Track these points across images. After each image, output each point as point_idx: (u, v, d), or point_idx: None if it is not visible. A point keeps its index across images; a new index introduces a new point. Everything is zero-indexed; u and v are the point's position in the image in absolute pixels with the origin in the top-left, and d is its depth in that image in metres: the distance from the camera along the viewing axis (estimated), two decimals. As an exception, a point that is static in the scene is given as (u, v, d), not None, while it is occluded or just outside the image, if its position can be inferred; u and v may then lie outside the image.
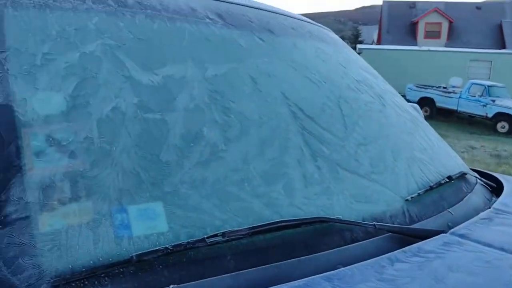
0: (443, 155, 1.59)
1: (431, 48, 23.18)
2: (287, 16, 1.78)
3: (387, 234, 1.04)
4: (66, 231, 0.78)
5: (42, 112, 0.90)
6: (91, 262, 0.76)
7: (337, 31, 2.00)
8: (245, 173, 1.00)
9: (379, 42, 36.27)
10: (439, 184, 1.31)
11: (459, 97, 17.05)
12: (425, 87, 18.64)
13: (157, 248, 0.79)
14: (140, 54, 1.11)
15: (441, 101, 17.59)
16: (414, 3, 39.01)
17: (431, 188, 1.28)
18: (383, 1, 39.02)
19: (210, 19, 1.37)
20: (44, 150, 0.85)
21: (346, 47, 1.97)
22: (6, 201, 0.77)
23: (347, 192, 1.10)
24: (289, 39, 1.57)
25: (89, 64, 1.01)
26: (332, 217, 0.99)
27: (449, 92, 17.63)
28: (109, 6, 1.18)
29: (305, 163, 1.10)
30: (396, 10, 37.88)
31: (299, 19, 1.85)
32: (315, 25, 1.96)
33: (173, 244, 0.80)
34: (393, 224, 1.09)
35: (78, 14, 1.11)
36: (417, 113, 1.95)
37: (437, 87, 18.40)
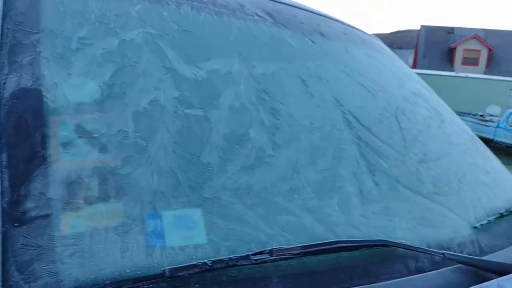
0: (508, 180, 1.42)
1: (469, 75, 22.63)
2: (338, 21, 1.67)
3: (456, 266, 0.88)
4: (91, 235, 0.66)
5: (73, 100, 0.79)
6: (117, 273, 0.64)
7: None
8: (295, 183, 0.87)
9: (414, 66, 35.74)
10: (511, 212, 1.15)
11: (497, 126, 16.47)
12: (461, 114, 18.12)
13: (194, 263, 0.66)
14: (184, 46, 1.00)
15: (478, 130, 17.02)
16: (452, 28, 38.41)
17: (502, 215, 1.12)
18: (421, 26, 38.58)
19: (259, 16, 1.27)
20: (72, 141, 0.74)
21: (399, 60, 1.84)
22: (25, 196, 0.66)
23: (409, 213, 0.96)
24: (341, 43, 1.45)
25: (128, 52, 0.91)
26: (395, 241, 0.85)
27: (486, 121, 17.06)
28: None
29: (362, 177, 0.96)
30: (434, 35, 37.35)
31: (350, 26, 1.73)
32: (367, 34, 1.84)
33: (213, 259, 0.68)
34: (462, 253, 0.94)
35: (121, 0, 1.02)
36: (474, 134, 1.79)
37: (473, 115, 17.86)
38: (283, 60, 1.16)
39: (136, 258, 0.66)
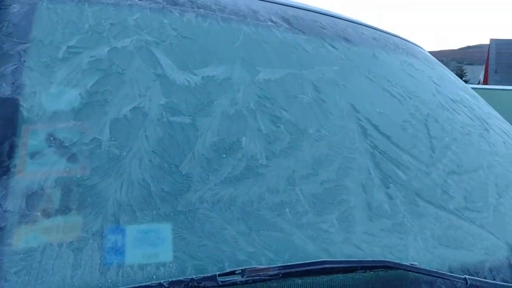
0: None
1: (547, 89, 21.07)
2: (371, 27, 1.56)
3: (484, 294, 0.74)
4: (43, 250, 0.61)
5: (50, 108, 0.76)
6: None
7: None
8: (288, 196, 0.77)
9: (485, 82, 33.99)
10: None
11: None
12: (539, 131, 16.86)
13: (147, 283, 0.59)
14: (180, 53, 0.95)
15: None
16: (526, 41, 36.24)
17: (552, 236, 0.94)
18: (491, 39, 36.79)
19: (273, 22, 1.20)
20: (40, 151, 0.70)
21: (441, 66, 1.69)
22: None
23: (428, 231, 0.82)
24: (368, 49, 1.34)
25: (116, 60, 0.87)
26: (404, 263, 0.72)
27: None
28: (156, 3, 1.05)
29: (371, 190, 0.85)
30: (506, 48, 35.42)
31: (385, 32, 1.61)
32: (406, 40, 1.71)
33: (171, 280, 0.59)
34: (495, 280, 0.79)
35: (119, 9, 1.00)
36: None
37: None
38: (293, 66, 1.07)
39: (88, 277, 0.60)
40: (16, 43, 0.84)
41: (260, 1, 1.30)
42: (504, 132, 1.38)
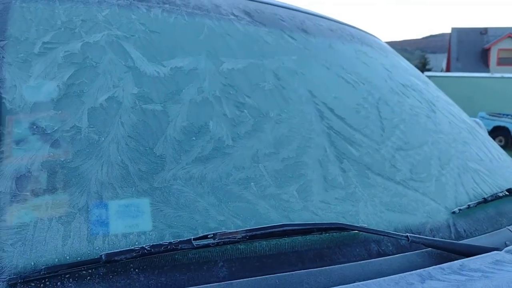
0: (505, 168, 1.37)
1: (505, 75, 21.87)
2: (328, 19, 1.66)
3: (424, 250, 0.85)
4: (35, 225, 0.68)
5: (30, 99, 0.83)
6: (56, 260, 0.66)
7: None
8: (253, 172, 0.87)
9: (448, 70, 34.96)
10: (496, 197, 1.10)
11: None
12: (499, 115, 17.50)
13: (131, 248, 0.67)
14: (149, 46, 1.03)
15: (517, 130, 16.39)
16: (485, 29, 37.42)
17: (486, 200, 1.07)
18: (452, 28, 37.81)
19: (235, 15, 1.28)
20: (24, 138, 0.77)
21: (395, 54, 1.81)
22: None
23: (377, 199, 0.94)
24: (325, 39, 1.45)
25: (89, 54, 0.94)
26: (354, 224, 0.83)
27: (525, 121, 16.42)
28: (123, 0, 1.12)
29: (327, 165, 0.95)
30: (466, 37, 36.50)
31: (341, 23, 1.72)
32: (362, 31, 1.82)
33: (152, 244, 0.68)
34: (434, 238, 0.91)
35: (88, 6, 1.06)
36: (476, 125, 1.73)
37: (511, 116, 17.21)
38: (255, 56, 1.16)
39: (77, 246, 0.68)
40: None
41: None
42: (451, 114, 1.51)
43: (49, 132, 0.79)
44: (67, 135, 0.79)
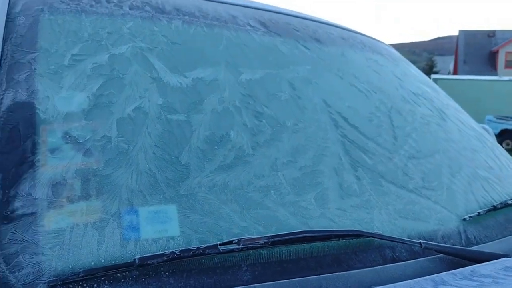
0: (514, 175, 1.40)
1: (513, 78, 21.76)
2: (339, 27, 1.70)
3: (436, 256, 0.89)
4: (71, 230, 0.73)
5: (62, 110, 0.87)
6: (92, 263, 0.70)
7: (411, 62, 1.89)
8: (272, 180, 0.91)
9: (455, 72, 34.84)
10: (506, 205, 1.14)
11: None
12: (506, 118, 17.45)
13: (162, 252, 0.72)
14: (171, 57, 1.07)
15: (524, 133, 16.31)
16: (493, 32, 37.28)
17: (495, 208, 1.11)
18: (459, 31, 37.68)
19: (251, 26, 1.33)
20: (58, 147, 0.82)
21: (404, 61, 1.85)
22: (14, 196, 0.74)
23: (391, 206, 0.97)
24: (337, 48, 1.49)
25: (116, 65, 0.99)
26: (370, 231, 0.87)
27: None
28: (145, 12, 1.17)
29: (342, 173, 0.99)
30: (474, 39, 36.37)
31: (352, 31, 1.76)
32: (372, 38, 1.86)
33: (181, 249, 0.73)
34: (446, 244, 0.94)
35: (113, 18, 1.11)
36: (485, 132, 1.77)
37: (520, 119, 17.14)
38: (271, 67, 1.21)
39: (111, 250, 0.72)
40: (25, 52, 0.95)
41: (238, 6, 1.43)
42: (460, 121, 1.55)
43: (81, 141, 0.83)
44: (98, 144, 0.84)
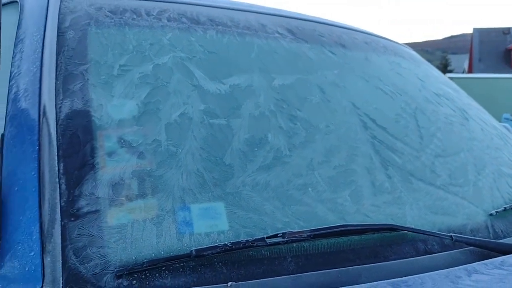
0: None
1: (529, 76, 21.50)
2: (362, 32, 1.76)
3: (466, 248, 0.95)
4: (132, 225, 0.80)
5: (115, 117, 0.95)
6: (153, 255, 0.77)
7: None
8: (310, 179, 0.97)
9: (470, 71, 34.52)
10: (531, 200, 1.19)
11: None
12: (523, 116, 17.27)
13: (215, 244, 0.79)
14: (209, 66, 1.15)
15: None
16: (508, 29, 36.86)
17: (520, 203, 1.16)
18: (474, 29, 37.31)
19: (280, 33, 1.40)
20: (115, 151, 0.89)
21: (425, 64, 1.90)
22: (79, 196, 0.82)
23: (421, 202, 1.03)
24: (361, 52, 1.55)
25: (160, 74, 1.06)
26: (403, 225, 0.93)
27: (551, 122, 16.17)
28: (182, 23, 1.25)
29: (374, 172, 1.05)
30: (488, 37, 35.99)
31: (375, 36, 1.82)
32: (393, 42, 1.92)
33: (232, 241, 0.80)
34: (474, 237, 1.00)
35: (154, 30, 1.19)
36: (507, 131, 1.81)
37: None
38: (301, 72, 1.27)
39: (169, 243, 0.79)
40: (77, 64, 1.03)
41: (266, 15, 1.50)
42: (482, 120, 1.60)
43: (135, 145, 0.91)
44: (150, 147, 0.91)
